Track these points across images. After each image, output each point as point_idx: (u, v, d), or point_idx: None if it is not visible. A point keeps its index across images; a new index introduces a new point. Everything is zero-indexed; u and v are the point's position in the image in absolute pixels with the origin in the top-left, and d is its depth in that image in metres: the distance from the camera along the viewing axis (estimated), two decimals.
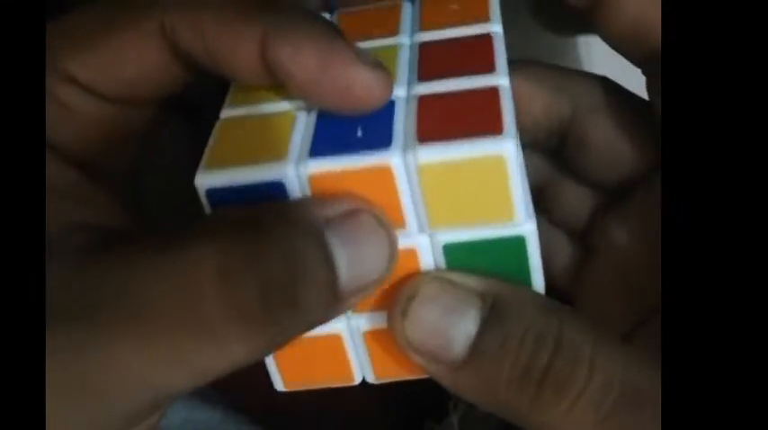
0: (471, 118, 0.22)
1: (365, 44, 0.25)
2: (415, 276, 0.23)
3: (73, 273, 0.20)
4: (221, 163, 0.22)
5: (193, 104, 0.27)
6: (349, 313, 0.24)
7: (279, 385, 0.25)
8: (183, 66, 0.24)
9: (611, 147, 0.28)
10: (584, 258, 0.30)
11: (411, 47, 0.25)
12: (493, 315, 0.22)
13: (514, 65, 0.24)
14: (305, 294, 0.20)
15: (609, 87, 0.28)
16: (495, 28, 0.25)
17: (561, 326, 0.22)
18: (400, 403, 0.34)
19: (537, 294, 0.23)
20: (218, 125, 0.23)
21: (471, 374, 0.23)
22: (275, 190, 0.22)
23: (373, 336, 0.24)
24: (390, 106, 0.23)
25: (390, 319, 0.23)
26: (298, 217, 0.21)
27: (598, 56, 0.33)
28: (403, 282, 0.23)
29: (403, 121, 0.22)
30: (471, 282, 0.23)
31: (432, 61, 0.24)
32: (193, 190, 0.22)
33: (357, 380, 0.25)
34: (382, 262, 0.22)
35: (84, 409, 0.20)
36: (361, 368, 0.25)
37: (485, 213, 0.22)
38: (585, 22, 0.26)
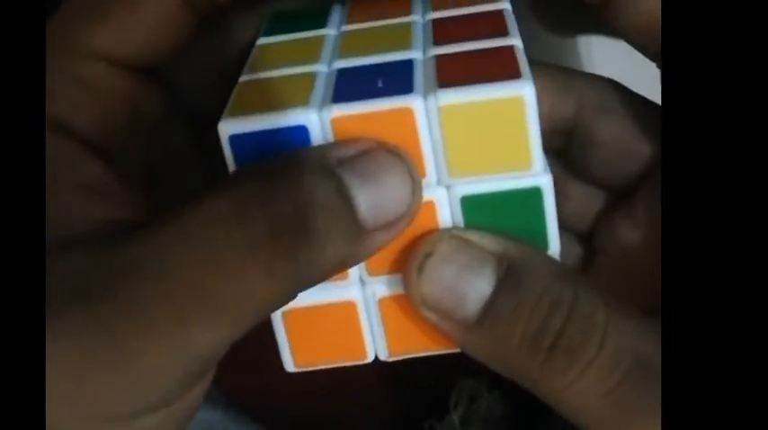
0: (489, 68, 0.22)
1: (377, 23, 0.26)
2: (432, 233, 0.23)
3: (97, 255, 0.21)
4: (244, 111, 0.22)
5: (199, 115, 0.28)
6: (365, 278, 0.24)
7: (289, 365, 0.25)
8: (195, 5, 0.25)
9: (617, 146, 0.28)
10: (590, 259, 0.30)
11: (424, 24, 0.26)
12: (508, 277, 0.22)
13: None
14: (318, 225, 0.20)
15: (613, 87, 0.28)
16: (506, 5, 0.26)
17: (576, 293, 0.22)
18: (401, 401, 0.34)
19: (553, 259, 0.23)
20: (238, 86, 0.24)
21: (483, 334, 0.23)
22: (298, 135, 0.22)
23: (389, 306, 0.24)
24: (408, 63, 0.23)
25: (406, 275, 0.23)
26: (309, 159, 0.21)
27: (598, 56, 0.33)
28: (420, 239, 0.23)
29: (422, 74, 0.23)
30: (488, 242, 0.23)
31: (445, 31, 0.25)
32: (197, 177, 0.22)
33: (370, 357, 0.25)
34: (404, 193, 0.22)
35: (123, 384, 0.20)
36: (374, 343, 0.25)
37: (503, 161, 0.22)
38: (588, 21, 0.27)
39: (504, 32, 0.24)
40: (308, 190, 0.20)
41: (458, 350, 0.25)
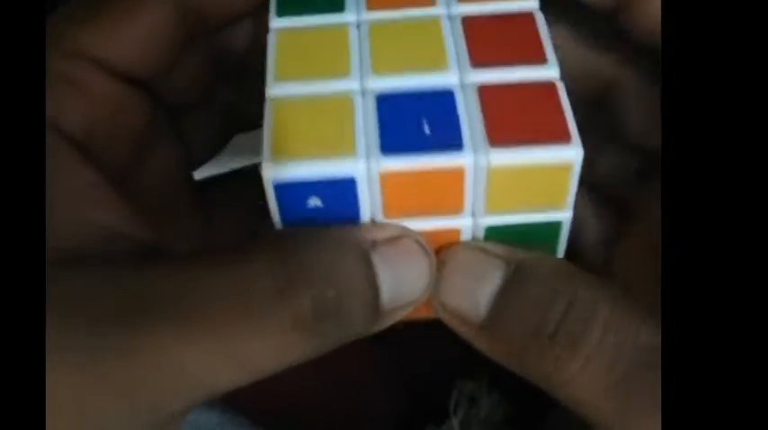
0: (536, 118, 0.22)
1: (402, 13, 0.25)
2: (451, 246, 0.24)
3: (111, 278, 0.21)
4: (288, 154, 0.22)
5: (176, 106, 0.28)
6: None
7: None
8: (187, 23, 0.25)
9: (653, 108, 0.28)
10: (620, 227, 0.30)
11: (451, 18, 0.25)
12: (514, 277, 0.23)
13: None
14: (351, 310, 0.22)
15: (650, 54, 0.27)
16: (533, 3, 0.25)
17: (577, 286, 0.23)
18: (401, 406, 0.35)
19: (559, 260, 0.24)
20: (270, 107, 0.23)
21: (492, 333, 0.24)
22: (345, 186, 0.22)
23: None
24: (450, 97, 0.23)
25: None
26: (348, 238, 0.22)
27: None
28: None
29: (467, 118, 0.22)
30: (498, 249, 0.24)
31: (479, 41, 0.24)
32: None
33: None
34: (421, 284, 0.23)
35: (137, 409, 0.21)
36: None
37: (540, 204, 0.23)
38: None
39: (542, 57, 0.24)
40: (348, 276, 0.21)
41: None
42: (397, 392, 0.28)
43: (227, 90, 0.29)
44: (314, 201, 0.22)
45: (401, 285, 0.23)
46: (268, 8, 0.25)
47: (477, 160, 0.22)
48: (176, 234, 0.27)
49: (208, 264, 0.21)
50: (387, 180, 0.22)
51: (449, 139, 0.22)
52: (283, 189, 0.22)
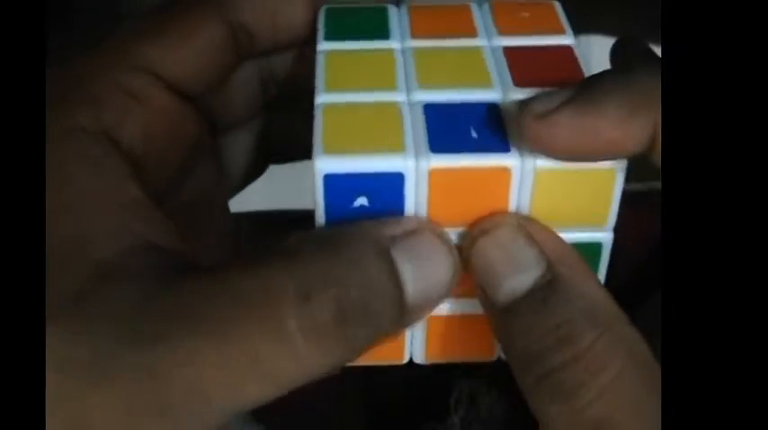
0: None
1: (445, 42, 0.26)
2: (503, 211, 0.23)
3: (146, 294, 0.21)
4: (339, 148, 0.22)
5: (219, 125, 0.29)
6: None
7: None
8: (239, 45, 0.26)
9: None
10: None
11: (493, 50, 0.26)
12: (543, 290, 0.22)
13: None
14: (376, 310, 0.21)
15: None
16: (571, 39, 0.26)
17: (595, 341, 0.21)
18: (402, 403, 0.35)
19: (602, 297, 0.22)
20: (320, 111, 0.23)
21: (498, 323, 0.23)
22: (393, 180, 0.22)
23: (436, 317, 0.25)
24: (496, 108, 0.23)
25: (465, 237, 0.23)
26: (366, 236, 0.22)
27: (598, 56, 0.34)
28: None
29: (512, 121, 0.23)
30: (549, 244, 0.23)
31: (520, 66, 0.25)
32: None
33: (405, 359, 0.26)
34: (446, 277, 0.23)
35: (167, 426, 0.20)
36: (412, 347, 0.26)
37: (582, 217, 0.23)
38: (588, 21, 0.27)
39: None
40: (369, 275, 0.21)
41: (493, 358, 0.26)
42: (398, 390, 0.27)
43: (267, 114, 0.30)
44: (360, 201, 0.22)
45: (425, 279, 0.22)
46: (315, 40, 0.26)
47: (524, 162, 0.22)
48: (206, 251, 0.27)
49: (231, 276, 0.21)
50: (434, 178, 0.22)
51: (496, 143, 0.23)
52: (333, 181, 0.22)
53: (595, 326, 0.22)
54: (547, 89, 0.23)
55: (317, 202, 0.22)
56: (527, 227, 0.23)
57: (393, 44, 0.26)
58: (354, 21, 0.27)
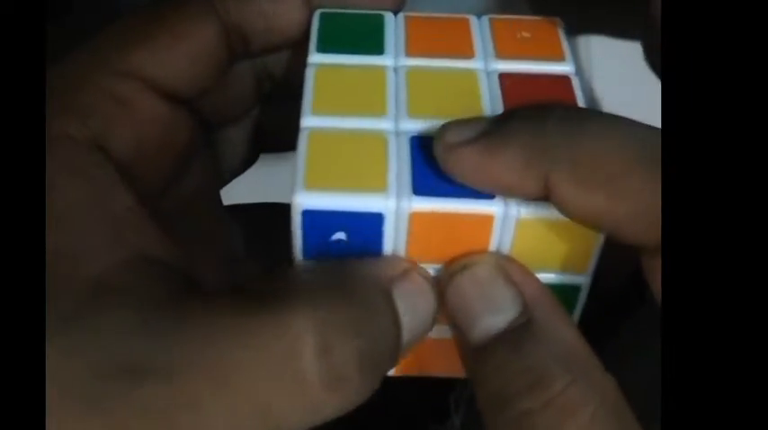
0: None
1: (440, 62, 0.25)
2: (482, 250, 0.23)
3: (145, 319, 0.20)
4: (320, 183, 0.22)
5: (213, 123, 0.28)
6: None
7: None
8: (232, 46, 0.26)
9: None
10: None
11: (489, 74, 0.25)
12: (519, 332, 0.22)
13: None
14: (384, 355, 0.21)
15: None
16: (570, 68, 0.25)
17: (567, 387, 0.21)
18: (402, 404, 0.35)
19: (577, 342, 0.22)
20: (305, 136, 0.23)
21: (471, 361, 0.23)
22: (372, 221, 0.22)
23: None
24: None
25: (443, 273, 0.23)
26: (373, 278, 0.22)
27: (598, 56, 0.33)
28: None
29: None
30: (526, 286, 0.23)
31: (515, 96, 0.24)
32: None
33: None
34: (429, 317, 0.23)
35: None
36: None
37: (562, 264, 0.23)
38: (588, 21, 0.26)
39: None
40: (382, 323, 0.21)
41: (461, 376, 0.26)
42: (399, 391, 0.27)
43: (261, 110, 0.29)
44: (338, 236, 0.22)
45: (415, 319, 0.22)
46: (308, 40, 0.26)
47: (507, 210, 0.22)
48: (203, 254, 0.27)
49: (241, 312, 0.20)
50: (415, 220, 0.22)
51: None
52: (311, 217, 0.22)
53: (568, 371, 0.21)
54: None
55: (294, 235, 0.22)
56: (505, 267, 0.23)
57: (386, 61, 0.25)
58: (349, 29, 0.26)
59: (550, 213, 0.22)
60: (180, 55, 0.25)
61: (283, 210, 0.22)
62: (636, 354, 0.32)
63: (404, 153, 0.23)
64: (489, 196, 0.22)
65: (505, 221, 0.22)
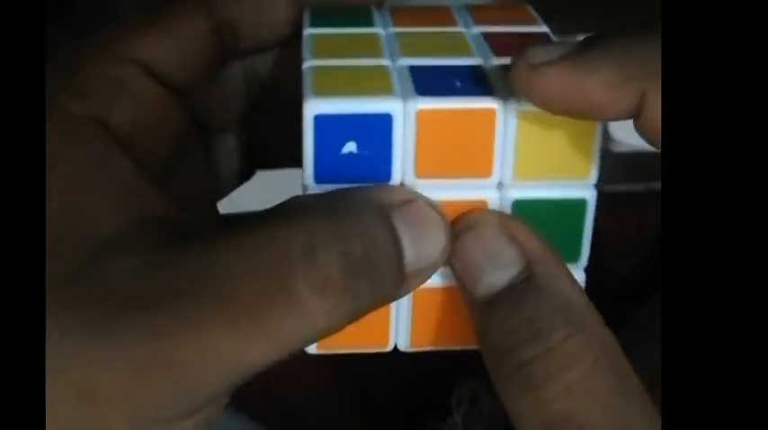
0: None
1: (427, 29, 0.27)
2: (482, 209, 0.24)
3: (148, 262, 0.21)
4: (330, 92, 0.23)
5: (207, 125, 0.30)
6: None
7: (311, 347, 0.25)
8: (223, 42, 0.28)
9: None
10: None
11: (475, 36, 0.27)
12: (522, 286, 0.23)
13: None
14: (379, 269, 0.22)
15: None
16: (546, 29, 0.27)
17: (567, 338, 0.22)
18: (403, 401, 0.34)
19: (577, 297, 0.23)
20: (308, 70, 0.24)
21: (476, 315, 0.23)
22: (382, 122, 0.23)
23: (422, 297, 0.25)
24: (478, 68, 0.24)
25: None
26: (367, 200, 0.22)
27: None
28: None
29: (496, 79, 0.24)
30: (529, 244, 0.23)
31: (500, 44, 0.26)
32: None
33: (390, 346, 0.26)
34: (439, 246, 0.23)
35: (172, 393, 0.20)
36: (397, 332, 0.26)
37: (566, 167, 0.24)
38: (588, 21, 0.28)
39: None
40: (372, 234, 0.22)
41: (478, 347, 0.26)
42: (400, 389, 0.26)
43: (253, 119, 0.31)
44: (349, 147, 0.23)
45: (420, 247, 0.23)
46: (298, 41, 0.28)
47: (507, 104, 0.23)
48: None
49: (234, 237, 0.21)
50: (422, 119, 0.23)
51: (479, 89, 0.23)
52: (323, 123, 0.23)
53: (568, 323, 0.22)
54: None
55: (305, 148, 0.23)
56: (509, 226, 0.24)
57: (377, 30, 0.27)
58: (339, 16, 0.28)
59: None
60: (173, 45, 0.27)
61: None
62: (641, 346, 0.31)
63: (404, 75, 0.24)
64: (488, 92, 0.23)
65: (507, 115, 0.23)
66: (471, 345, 0.26)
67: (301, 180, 0.24)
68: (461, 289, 0.24)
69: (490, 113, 0.23)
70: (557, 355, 0.22)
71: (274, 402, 0.21)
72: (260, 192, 0.32)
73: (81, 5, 0.30)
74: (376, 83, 0.24)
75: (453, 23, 0.28)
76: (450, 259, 0.24)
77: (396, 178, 0.24)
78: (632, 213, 0.25)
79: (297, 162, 0.26)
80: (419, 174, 0.24)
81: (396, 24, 0.28)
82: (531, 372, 0.22)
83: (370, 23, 0.28)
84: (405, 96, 0.23)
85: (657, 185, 0.38)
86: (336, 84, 0.23)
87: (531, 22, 0.28)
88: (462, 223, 0.24)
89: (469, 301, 0.24)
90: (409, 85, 0.23)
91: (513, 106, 0.23)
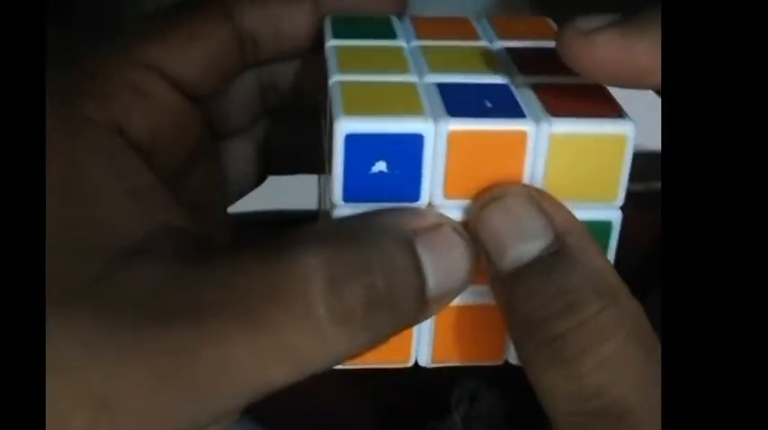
0: (589, 103, 0.24)
1: (449, 42, 0.27)
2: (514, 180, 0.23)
3: (172, 274, 0.21)
4: (360, 110, 0.23)
5: (221, 131, 0.30)
6: None
7: None
8: (243, 51, 0.27)
9: None
10: None
11: (499, 51, 0.27)
12: (553, 258, 0.22)
13: None
14: (401, 300, 0.22)
15: None
16: None
17: (600, 311, 0.22)
18: (403, 402, 0.34)
19: (608, 270, 0.23)
20: (336, 85, 0.24)
21: (502, 290, 0.23)
22: (413, 142, 0.23)
23: (445, 313, 0.25)
24: (507, 88, 0.24)
25: (473, 206, 0.23)
26: (389, 227, 0.22)
27: None
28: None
29: (524, 100, 0.24)
30: (558, 216, 0.23)
31: (526, 62, 0.26)
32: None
33: (411, 362, 0.26)
34: (463, 271, 0.23)
35: (190, 407, 0.20)
36: (418, 348, 0.25)
37: (593, 190, 0.24)
38: None
39: None
40: (395, 265, 0.21)
41: (500, 363, 0.26)
42: (400, 388, 0.26)
43: (267, 124, 0.30)
44: (379, 167, 0.23)
45: (444, 273, 0.22)
46: (317, 51, 0.27)
47: (539, 127, 0.23)
48: None
49: (259, 258, 0.21)
50: (453, 140, 0.23)
51: (510, 110, 0.23)
52: (354, 142, 0.22)
53: (601, 296, 0.22)
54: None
55: (335, 166, 0.23)
56: (537, 197, 0.23)
57: (400, 42, 0.27)
58: (360, 26, 0.28)
59: (581, 128, 0.23)
60: (194, 53, 0.26)
61: (288, 218, 0.23)
62: None
63: (432, 93, 0.24)
64: (520, 114, 0.23)
65: (538, 138, 0.23)
66: (493, 361, 0.26)
67: (326, 196, 0.23)
68: (486, 261, 0.23)
69: (522, 135, 0.23)
70: (590, 328, 0.21)
71: (274, 401, 0.21)
72: (268, 196, 0.32)
73: (81, 5, 0.29)
74: (405, 101, 0.23)
75: (475, 35, 0.27)
76: (476, 231, 0.23)
77: (424, 198, 0.23)
78: (632, 213, 0.25)
79: (308, 167, 0.25)
80: (448, 194, 0.23)
81: (418, 35, 0.27)
82: (564, 345, 0.21)
83: (392, 33, 0.27)
84: (436, 117, 0.23)
85: (657, 185, 0.39)
86: (366, 101, 0.23)
87: (553, 35, 0.28)
88: (488, 194, 0.23)
89: (493, 276, 0.23)
90: (439, 104, 0.23)
91: (545, 128, 0.23)
